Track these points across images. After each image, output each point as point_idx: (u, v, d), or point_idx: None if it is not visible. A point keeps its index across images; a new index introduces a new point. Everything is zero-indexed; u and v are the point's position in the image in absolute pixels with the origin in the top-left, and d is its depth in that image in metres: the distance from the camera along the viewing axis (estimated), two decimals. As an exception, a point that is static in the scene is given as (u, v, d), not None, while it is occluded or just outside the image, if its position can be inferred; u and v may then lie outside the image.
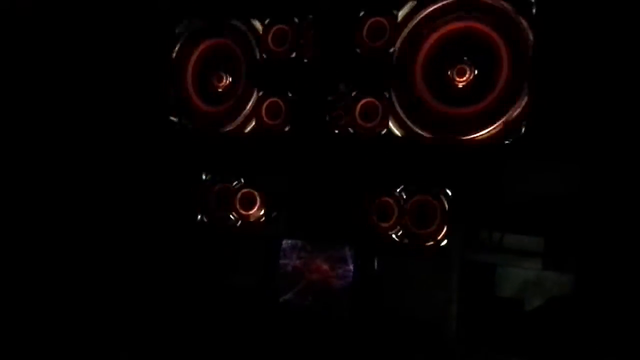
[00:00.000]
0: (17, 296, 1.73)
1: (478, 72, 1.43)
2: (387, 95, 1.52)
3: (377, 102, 1.53)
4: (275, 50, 1.66)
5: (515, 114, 1.38)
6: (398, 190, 1.51)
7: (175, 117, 1.79)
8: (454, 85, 1.45)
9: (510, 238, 1.47)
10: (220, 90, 1.74)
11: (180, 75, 1.79)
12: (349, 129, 1.56)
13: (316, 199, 1.61)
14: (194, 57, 1.78)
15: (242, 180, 1.69)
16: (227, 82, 1.73)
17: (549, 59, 1.36)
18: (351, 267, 1.52)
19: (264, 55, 1.67)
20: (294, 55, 1.64)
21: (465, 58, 1.43)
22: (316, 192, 1.61)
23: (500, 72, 1.41)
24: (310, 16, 1.61)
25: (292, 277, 1.57)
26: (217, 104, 1.75)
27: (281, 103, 1.65)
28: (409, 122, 1.49)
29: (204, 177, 1.73)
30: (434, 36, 1.48)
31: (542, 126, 1.36)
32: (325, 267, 1.55)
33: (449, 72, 1.45)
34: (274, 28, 1.66)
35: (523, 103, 1.38)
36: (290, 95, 1.64)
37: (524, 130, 1.37)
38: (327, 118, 1.58)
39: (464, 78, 1.44)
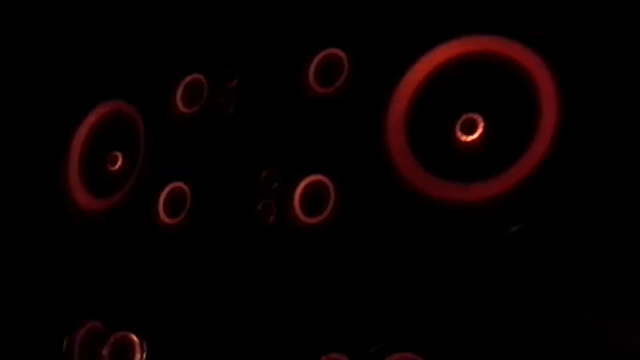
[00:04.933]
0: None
1: (496, 124, 0.81)
2: (343, 171, 0.90)
3: (327, 182, 0.91)
4: (184, 112, 1.09)
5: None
6: (364, 346, 0.81)
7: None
8: (458, 146, 0.83)
9: None
10: (112, 175, 1.16)
11: (63, 158, 1.23)
12: (284, 226, 0.93)
13: (235, 346, 0.95)
14: (82, 132, 1.23)
15: (117, 318, 1.03)
16: (121, 164, 1.15)
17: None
18: None
19: (169, 119, 1.10)
20: (208, 115, 1.06)
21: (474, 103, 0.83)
22: (235, 333, 0.95)
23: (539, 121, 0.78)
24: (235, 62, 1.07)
25: None
26: (107, 195, 1.16)
27: (186, 190, 1.04)
28: (378, 217, 0.85)
29: (66, 315, 1.09)
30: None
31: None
32: None
33: (449, 127, 0.84)
34: (186, 79, 1.10)
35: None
36: (198, 177, 1.04)
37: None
38: (252, 210, 0.97)
39: (473, 135, 0.82)
